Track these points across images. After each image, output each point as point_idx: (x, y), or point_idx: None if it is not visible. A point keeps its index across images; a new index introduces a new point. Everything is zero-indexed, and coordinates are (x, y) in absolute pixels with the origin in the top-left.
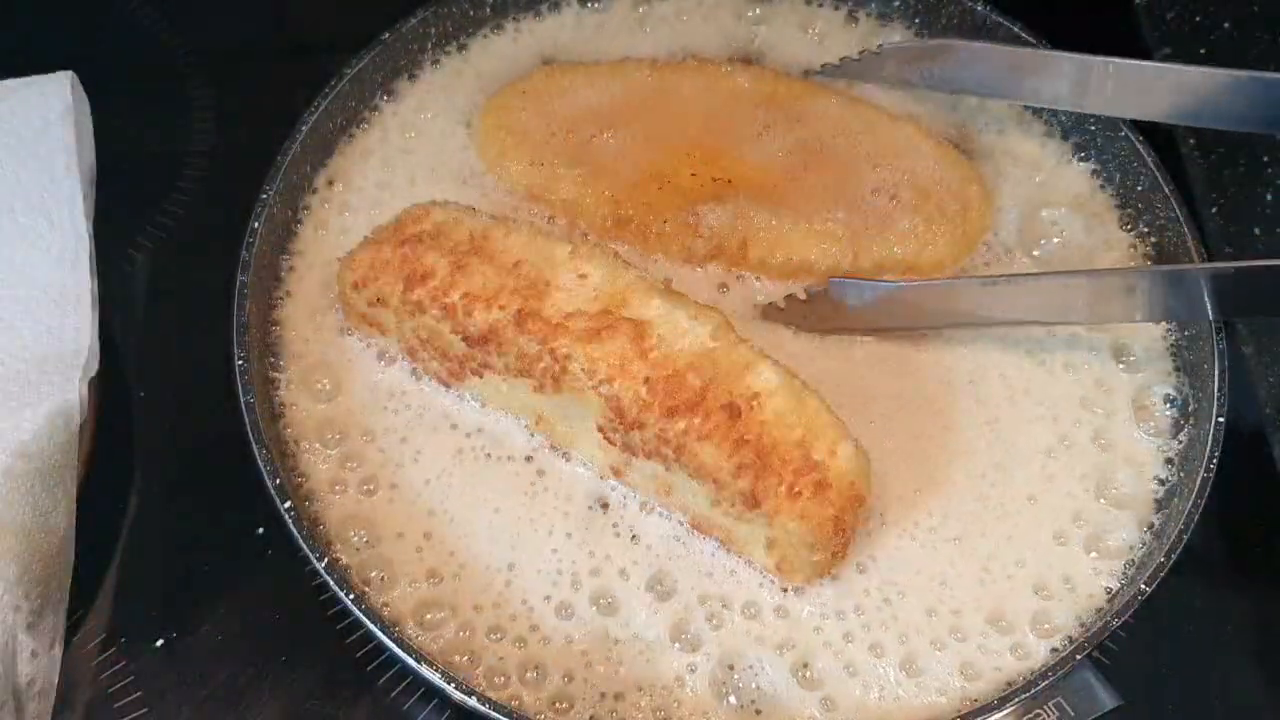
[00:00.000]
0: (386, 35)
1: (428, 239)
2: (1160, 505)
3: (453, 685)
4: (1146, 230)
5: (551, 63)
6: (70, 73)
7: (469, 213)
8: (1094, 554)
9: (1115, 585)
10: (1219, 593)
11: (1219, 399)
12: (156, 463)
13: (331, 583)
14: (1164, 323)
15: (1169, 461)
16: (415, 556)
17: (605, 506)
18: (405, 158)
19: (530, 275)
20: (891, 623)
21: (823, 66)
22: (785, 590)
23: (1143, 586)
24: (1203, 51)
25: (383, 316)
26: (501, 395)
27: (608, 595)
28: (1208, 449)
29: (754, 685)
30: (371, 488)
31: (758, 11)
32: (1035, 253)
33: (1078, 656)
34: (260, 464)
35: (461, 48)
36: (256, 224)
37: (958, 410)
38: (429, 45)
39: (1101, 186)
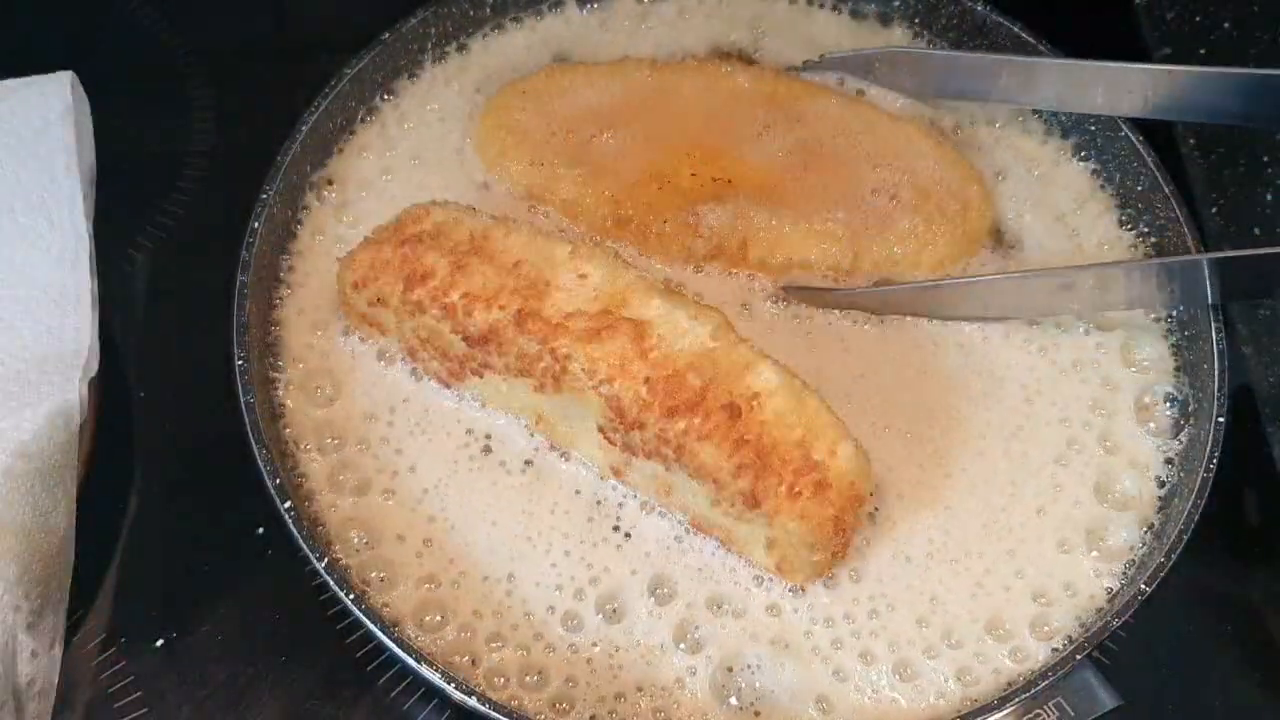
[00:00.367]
0: (386, 35)
1: (428, 239)
2: (1161, 505)
3: (453, 685)
4: (1146, 230)
5: (552, 62)
6: (70, 73)
7: (469, 213)
8: (1095, 554)
9: (1116, 585)
10: (1219, 593)
11: (1219, 399)
12: (156, 463)
13: (332, 583)
14: (1166, 323)
15: (1169, 462)
16: (415, 559)
17: (606, 508)
18: (405, 158)
19: (530, 275)
20: (888, 628)
21: (804, 63)
22: (791, 591)
23: (1143, 586)
24: (1203, 51)
25: (383, 316)
26: (501, 395)
27: (608, 598)
28: (1208, 449)
29: (753, 686)
30: (372, 489)
31: (758, 12)
32: (1036, 252)
33: (1078, 656)
34: (260, 464)
35: (462, 48)
36: (256, 224)
37: (969, 415)
38: (429, 45)
39: (1102, 186)
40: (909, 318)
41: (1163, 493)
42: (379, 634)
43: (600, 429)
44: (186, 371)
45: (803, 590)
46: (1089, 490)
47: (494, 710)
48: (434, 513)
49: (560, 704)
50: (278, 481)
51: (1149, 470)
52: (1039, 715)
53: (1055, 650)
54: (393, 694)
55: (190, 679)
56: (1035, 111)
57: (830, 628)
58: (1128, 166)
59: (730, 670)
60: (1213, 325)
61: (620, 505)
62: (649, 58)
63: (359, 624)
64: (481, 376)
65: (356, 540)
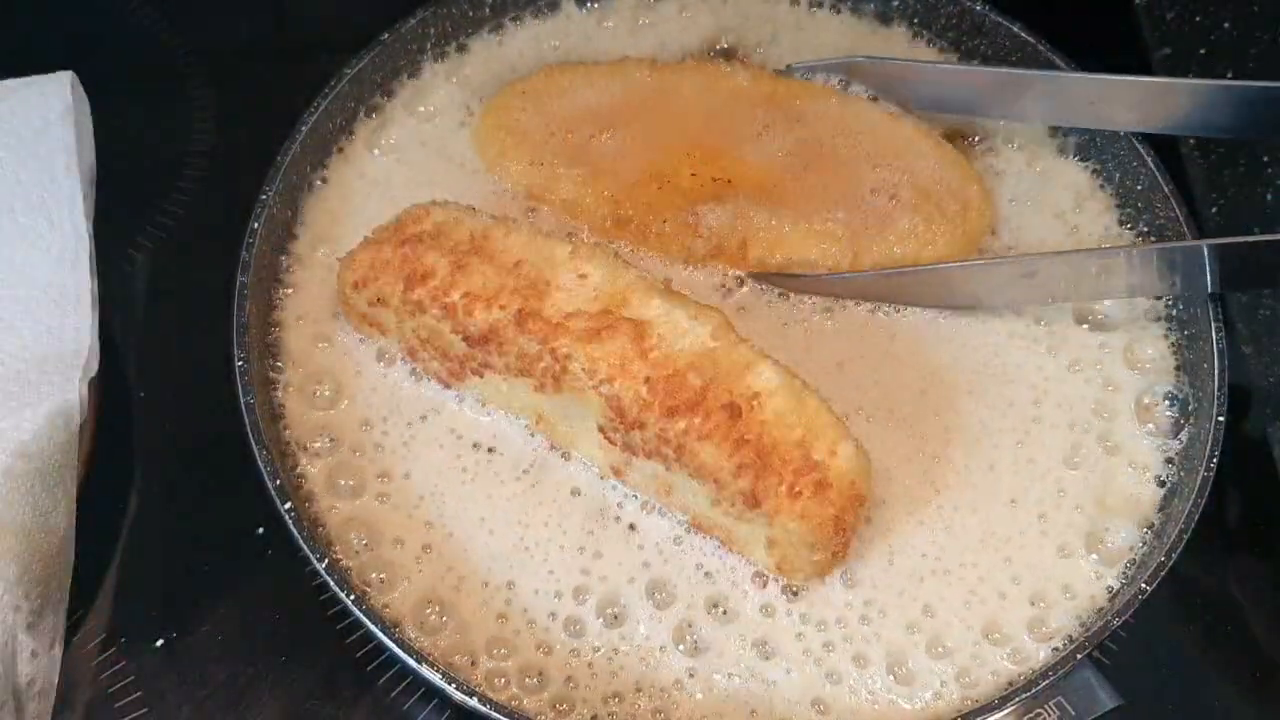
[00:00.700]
0: (386, 35)
1: (428, 239)
2: (1161, 505)
3: (453, 686)
4: (1146, 230)
5: (551, 62)
6: (70, 73)
7: (469, 213)
8: (1095, 556)
9: (1116, 585)
10: (1220, 592)
11: (1219, 398)
12: (156, 463)
13: (332, 584)
14: (1166, 323)
15: (1169, 461)
16: (415, 560)
17: (606, 509)
18: (405, 158)
19: (530, 275)
20: (884, 630)
21: (787, 66)
22: (790, 593)
23: (1143, 586)
24: (1203, 51)
25: (383, 316)
26: (502, 395)
27: (608, 600)
28: (1208, 448)
29: (750, 688)
30: (372, 490)
31: (758, 12)
32: (1036, 252)
33: (1078, 656)
34: (260, 465)
35: (461, 48)
36: (256, 224)
37: (969, 415)
38: (428, 45)
39: (1101, 186)
40: (914, 314)
41: (1163, 492)
42: (380, 635)
43: (600, 429)
44: (186, 371)
45: (802, 591)
46: (1088, 490)
47: (494, 710)
48: (434, 514)
49: (560, 704)
50: (278, 482)
51: (1149, 470)
52: (1039, 715)
53: (1055, 650)
54: (393, 694)
55: (190, 679)
56: None
57: (823, 630)
58: (1127, 166)
59: (730, 675)
60: (1213, 325)
61: (621, 506)
62: (649, 58)
63: (359, 624)
64: (482, 376)
65: (356, 542)
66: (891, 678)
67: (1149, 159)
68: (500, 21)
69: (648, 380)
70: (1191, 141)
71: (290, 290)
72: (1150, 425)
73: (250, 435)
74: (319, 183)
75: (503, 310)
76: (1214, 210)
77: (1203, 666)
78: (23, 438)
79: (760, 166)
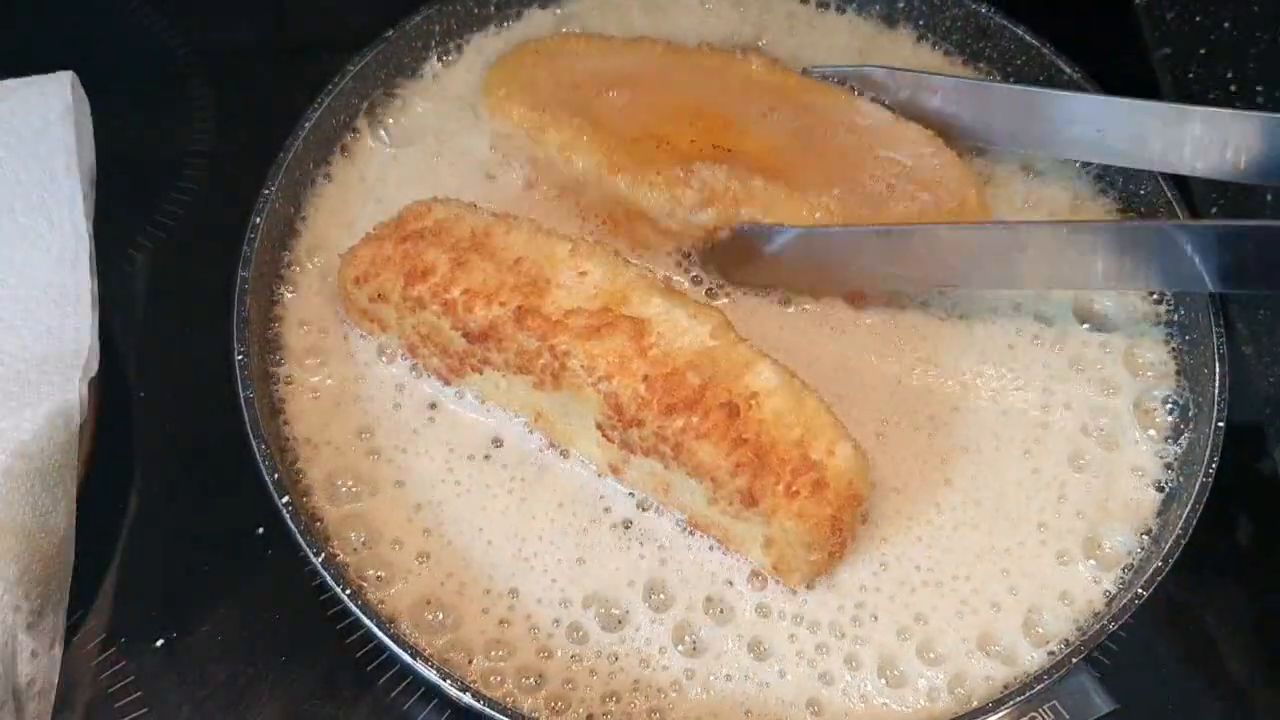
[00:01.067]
0: (390, 32)
1: (429, 235)
2: (1160, 510)
3: (448, 682)
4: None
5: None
6: (70, 73)
7: (470, 209)
8: (1092, 562)
9: (1113, 590)
10: (1219, 595)
11: (1219, 404)
12: (156, 463)
13: (328, 577)
14: (1167, 327)
15: (1168, 466)
16: (413, 558)
17: (605, 508)
18: (408, 155)
19: (531, 272)
20: (877, 633)
21: (804, 70)
22: (788, 593)
23: (1140, 591)
24: (1203, 52)
25: (383, 312)
26: (501, 392)
27: (607, 598)
28: (1207, 454)
29: (746, 690)
30: (371, 488)
31: (765, 15)
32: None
33: (1074, 660)
34: (259, 459)
35: (465, 44)
36: (258, 220)
37: (965, 417)
38: (433, 42)
39: (1104, 190)
40: (913, 318)
41: (1161, 498)
42: (375, 629)
43: (599, 426)
44: (186, 371)
45: (798, 592)
46: (1088, 496)
47: (488, 707)
48: (433, 512)
49: (556, 703)
50: (276, 477)
51: (1148, 475)
52: (1034, 718)
53: (1051, 654)
54: (393, 694)
55: (190, 679)
56: None
57: (816, 633)
58: (1130, 170)
59: (727, 676)
60: (1214, 330)
61: (620, 505)
62: (664, 39)
63: (359, 624)
64: (481, 373)
65: (355, 539)
66: (884, 681)
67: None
68: (505, 18)
69: (646, 378)
70: None
71: (292, 288)
72: (1150, 430)
73: (249, 430)
74: (322, 180)
75: (502, 307)
76: (1214, 210)
77: (1200, 671)
78: (23, 438)
79: (762, 142)
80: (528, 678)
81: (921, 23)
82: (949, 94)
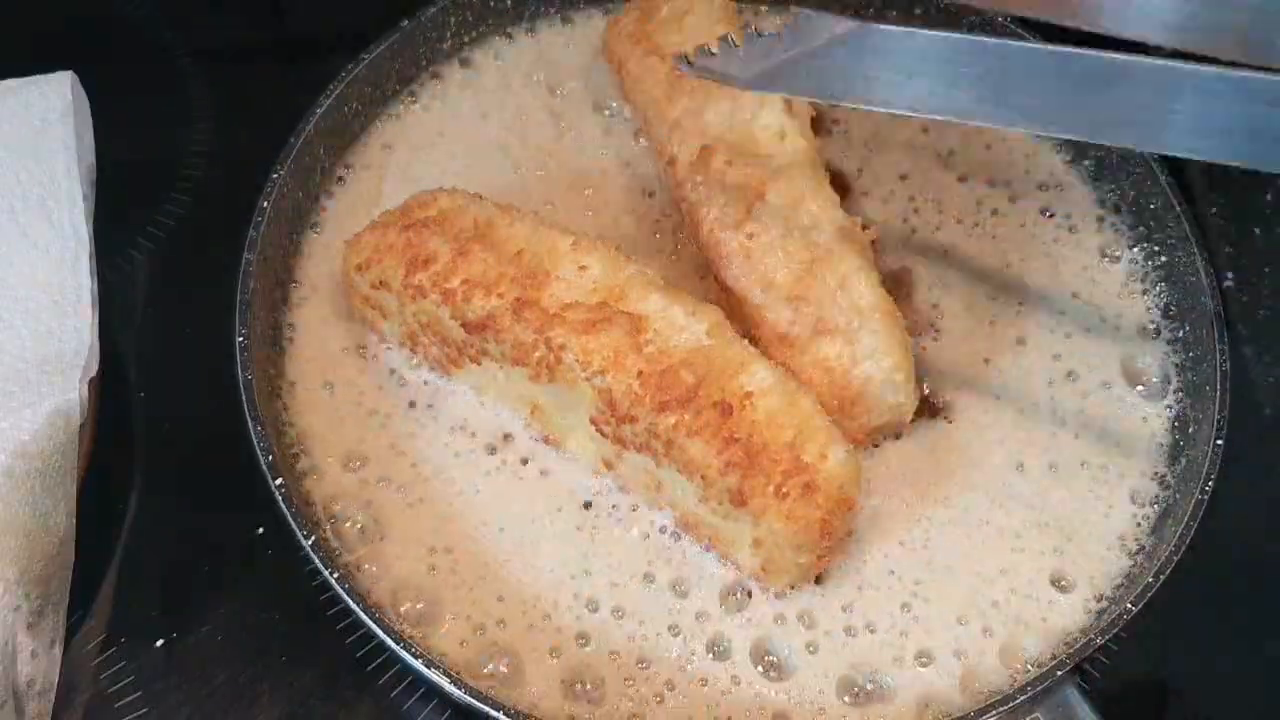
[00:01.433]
0: (405, 23)
1: (433, 224)
2: (1154, 527)
3: (430, 668)
4: (1148, 239)
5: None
6: (70, 73)
7: (475, 200)
8: (1083, 576)
9: (1103, 605)
10: (1210, 612)
11: (1218, 422)
12: (156, 463)
13: (316, 560)
14: (1170, 343)
15: (1164, 484)
16: (409, 550)
17: (603, 504)
18: (414, 147)
19: (531, 265)
20: (862, 639)
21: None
22: (777, 597)
23: (1129, 605)
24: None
25: (385, 300)
26: (498, 384)
27: (606, 599)
28: (1204, 471)
29: (718, 689)
30: (367, 478)
31: (774, 19)
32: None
33: (1058, 673)
34: (255, 440)
35: (480, 38)
36: (265, 203)
37: (960, 424)
38: (447, 35)
39: (1108, 200)
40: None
41: (1156, 513)
42: (362, 615)
43: (593, 421)
44: (186, 371)
45: (786, 595)
46: (1082, 508)
47: (491, 708)
48: (430, 505)
49: (581, 685)
50: (270, 459)
51: (1143, 491)
52: None
53: (1038, 667)
54: (393, 694)
55: (190, 679)
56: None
57: (797, 638)
58: (1128, 166)
59: (707, 674)
60: (1217, 347)
61: (619, 503)
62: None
63: (359, 623)
64: (479, 364)
65: (350, 528)
66: (866, 690)
67: (1151, 159)
68: (520, 10)
69: (640, 374)
70: None
71: (295, 276)
72: (1147, 446)
73: (246, 411)
74: (329, 168)
75: (501, 299)
76: (1214, 210)
77: (1191, 688)
78: (23, 438)
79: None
80: (518, 671)
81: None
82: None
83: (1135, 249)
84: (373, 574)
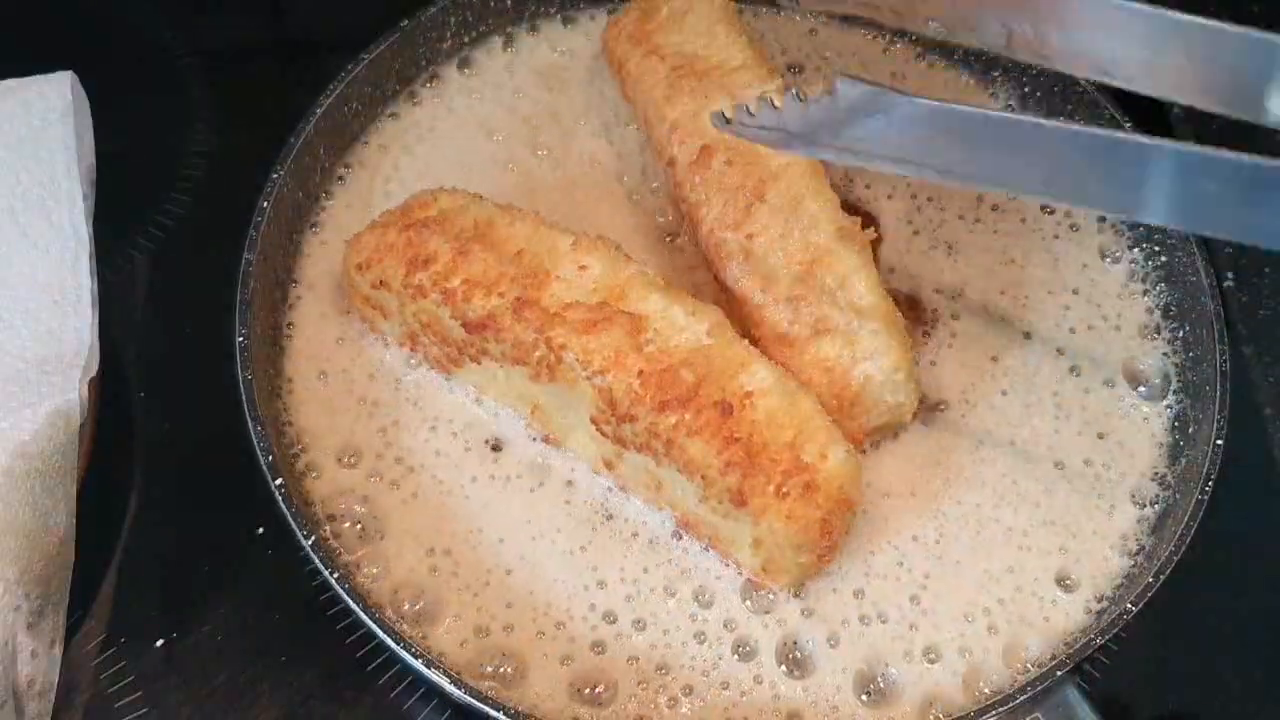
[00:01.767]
0: (405, 23)
1: (433, 224)
2: (1154, 527)
3: (430, 668)
4: (1148, 240)
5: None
6: (70, 73)
7: (475, 200)
8: (1084, 576)
9: (1103, 605)
10: (1210, 611)
11: (1219, 422)
12: (156, 463)
13: (316, 560)
14: (1171, 344)
15: (1165, 483)
16: (409, 551)
17: (604, 504)
18: (414, 147)
19: (531, 265)
20: (863, 638)
21: None
22: (781, 596)
23: (1129, 605)
24: None
25: (385, 299)
26: (498, 384)
27: (607, 595)
28: (1204, 471)
29: (730, 690)
30: (369, 478)
31: (774, 20)
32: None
33: (1058, 673)
34: (254, 440)
35: (480, 38)
36: (265, 203)
37: (960, 427)
38: (447, 35)
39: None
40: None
41: (1156, 513)
42: (362, 615)
43: (593, 420)
44: (186, 371)
45: (784, 595)
46: (1082, 508)
47: (476, 698)
48: (430, 505)
49: (593, 690)
50: (270, 459)
51: (1144, 491)
52: None
53: (1038, 667)
54: (393, 694)
55: (190, 679)
56: None
57: (796, 641)
58: None
59: (708, 674)
60: (1217, 347)
61: (620, 504)
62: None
63: (359, 623)
64: (479, 364)
65: (350, 528)
66: (866, 691)
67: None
68: (521, 10)
69: (641, 374)
70: (1192, 141)
71: (295, 276)
72: (1148, 446)
73: (246, 411)
74: (329, 168)
75: (501, 298)
76: None
77: (1191, 689)
78: (23, 438)
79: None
80: (516, 669)
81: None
82: None
83: (1135, 249)
84: (373, 574)
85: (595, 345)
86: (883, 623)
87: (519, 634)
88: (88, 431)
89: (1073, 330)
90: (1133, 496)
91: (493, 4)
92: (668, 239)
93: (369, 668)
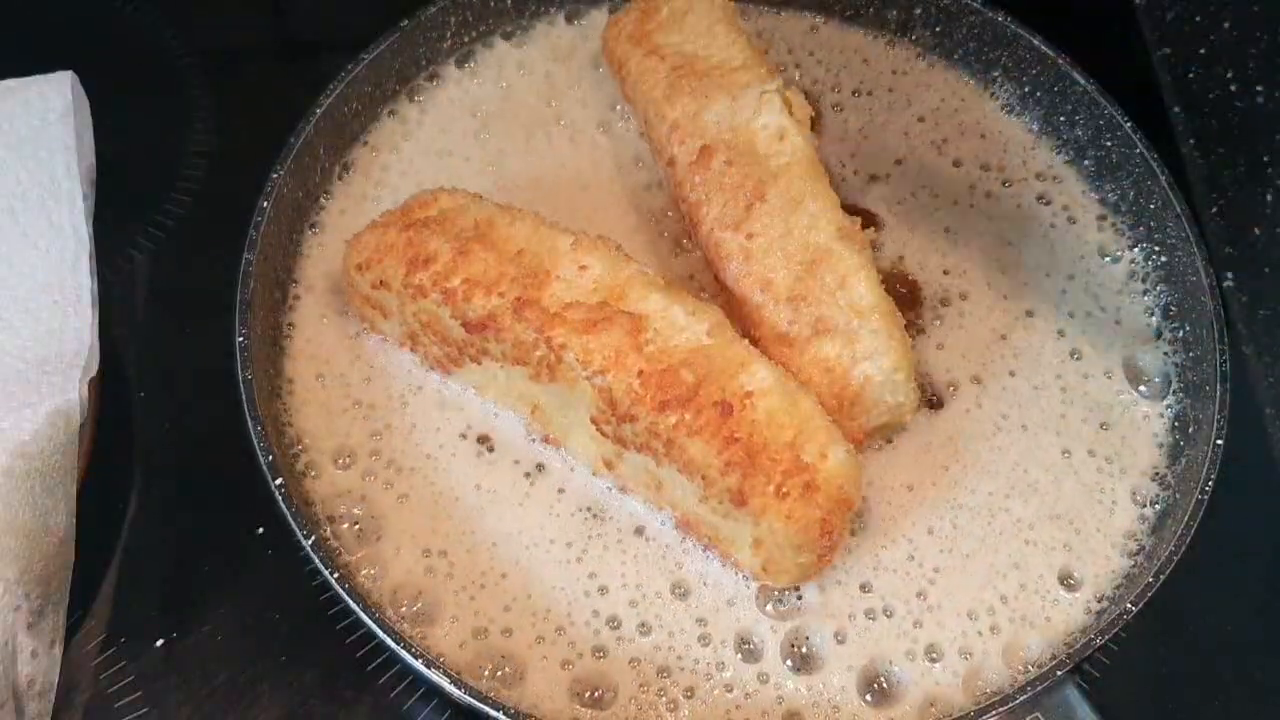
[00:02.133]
0: (405, 23)
1: (433, 224)
2: (1154, 527)
3: (430, 668)
4: (1148, 240)
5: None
6: (70, 73)
7: (476, 200)
8: (1084, 576)
9: (1103, 605)
10: (1209, 612)
11: (1219, 422)
12: (156, 463)
13: (317, 560)
14: (1171, 344)
15: (1165, 483)
16: (409, 551)
17: (608, 508)
18: (414, 146)
19: (531, 264)
20: (865, 637)
21: None
22: (779, 598)
23: (1129, 605)
24: (1202, 52)
25: (385, 299)
26: (498, 384)
27: (606, 598)
28: (1204, 472)
29: (731, 690)
30: (368, 478)
31: (772, 19)
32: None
33: (1058, 672)
34: (254, 439)
35: (480, 38)
36: (266, 203)
37: (962, 429)
38: (447, 35)
39: (1108, 199)
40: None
41: (1156, 513)
42: (361, 614)
43: (593, 420)
44: (186, 371)
45: (785, 595)
46: (1083, 508)
47: (476, 698)
48: (430, 506)
49: (591, 693)
50: (270, 459)
51: (1144, 491)
52: None
53: (1037, 667)
54: (393, 694)
55: (190, 679)
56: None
57: (800, 640)
58: (1127, 166)
59: (711, 675)
60: (1217, 347)
61: (617, 505)
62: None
63: (359, 623)
64: (480, 363)
65: (350, 528)
66: (868, 690)
67: (1153, 161)
68: (521, 9)
69: (641, 373)
70: (1192, 141)
71: (295, 276)
72: (1149, 446)
73: (246, 410)
74: (330, 168)
75: (501, 298)
76: (1214, 210)
77: (1191, 689)
78: (23, 438)
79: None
80: (511, 670)
81: (939, 29)
82: None
83: (1135, 249)
84: (371, 575)
85: (595, 345)
86: (888, 617)
87: (518, 637)
88: (88, 431)
89: (1071, 314)
90: (1133, 496)
91: (493, 3)
92: (667, 239)
93: (369, 668)
